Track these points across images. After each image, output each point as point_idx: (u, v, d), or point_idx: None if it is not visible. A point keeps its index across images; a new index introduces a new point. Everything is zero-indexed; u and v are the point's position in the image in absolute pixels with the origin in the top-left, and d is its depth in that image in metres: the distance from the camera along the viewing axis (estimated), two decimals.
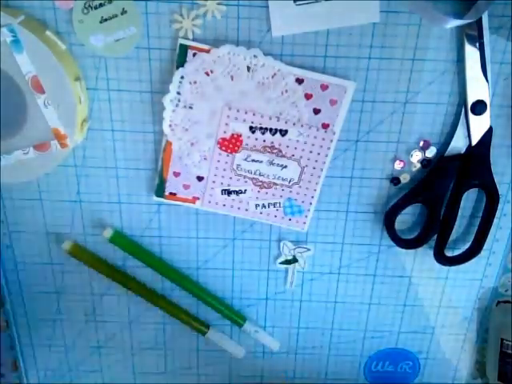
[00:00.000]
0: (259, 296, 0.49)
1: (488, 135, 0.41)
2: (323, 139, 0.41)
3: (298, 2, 0.37)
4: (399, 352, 0.52)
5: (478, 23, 0.38)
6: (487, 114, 0.40)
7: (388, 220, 0.44)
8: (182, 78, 0.39)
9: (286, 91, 0.40)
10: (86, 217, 0.45)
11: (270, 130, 0.41)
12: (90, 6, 0.36)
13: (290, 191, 0.43)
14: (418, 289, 0.49)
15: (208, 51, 0.38)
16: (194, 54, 0.38)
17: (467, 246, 0.46)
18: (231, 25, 0.38)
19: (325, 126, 0.41)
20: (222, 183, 0.43)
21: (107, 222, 0.45)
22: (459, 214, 0.44)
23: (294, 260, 0.47)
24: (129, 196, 0.44)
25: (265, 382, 0.53)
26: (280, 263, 0.47)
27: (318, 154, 0.42)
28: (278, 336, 0.51)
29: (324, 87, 0.39)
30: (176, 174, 0.43)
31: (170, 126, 0.41)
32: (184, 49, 0.38)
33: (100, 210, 0.45)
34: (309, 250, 0.47)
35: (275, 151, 0.42)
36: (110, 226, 0.45)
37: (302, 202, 0.44)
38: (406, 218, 0.45)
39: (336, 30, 0.38)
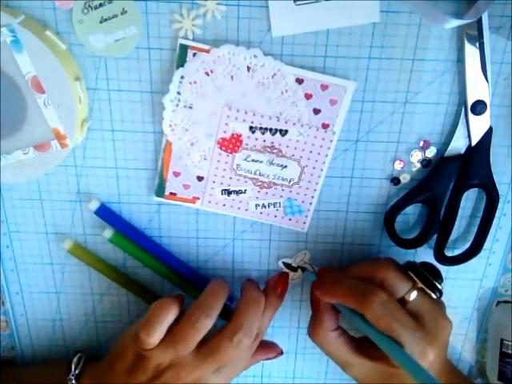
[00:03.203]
0: None
1: (488, 135, 0.41)
2: (323, 139, 0.41)
3: (298, 2, 0.37)
4: None
5: (478, 23, 0.38)
6: (487, 113, 0.40)
7: (388, 220, 0.44)
8: (182, 77, 0.39)
9: (286, 91, 0.40)
10: (85, 217, 0.45)
11: (270, 129, 0.41)
12: (89, 6, 0.36)
13: (290, 191, 0.43)
14: None
15: (208, 51, 0.38)
16: (194, 54, 0.38)
17: (467, 246, 0.46)
18: (231, 25, 0.38)
19: (325, 126, 0.41)
20: (221, 183, 0.43)
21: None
22: (459, 214, 0.44)
23: (295, 269, 0.47)
24: (129, 196, 0.44)
25: (265, 382, 0.53)
26: (283, 262, 0.47)
27: (318, 153, 0.42)
28: (277, 336, 0.51)
29: (324, 87, 0.39)
30: (176, 174, 0.43)
31: (170, 126, 0.41)
32: (184, 49, 0.38)
33: None
34: (314, 272, 0.47)
35: (275, 151, 0.42)
36: (109, 226, 0.45)
37: (302, 201, 0.44)
38: (406, 218, 0.45)
39: (336, 30, 0.38)
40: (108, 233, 0.44)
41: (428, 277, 0.40)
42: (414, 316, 0.39)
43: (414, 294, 0.40)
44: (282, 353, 0.49)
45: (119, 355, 0.42)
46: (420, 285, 0.40)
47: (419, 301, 0.40)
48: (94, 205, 0.43)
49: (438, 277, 0.41)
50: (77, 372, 0.44)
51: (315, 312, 0.44)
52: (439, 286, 0.41)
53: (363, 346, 0.42)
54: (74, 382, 0.43)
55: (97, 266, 0.46)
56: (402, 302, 0.40)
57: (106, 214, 0.44)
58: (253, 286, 0.44)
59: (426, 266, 0.42)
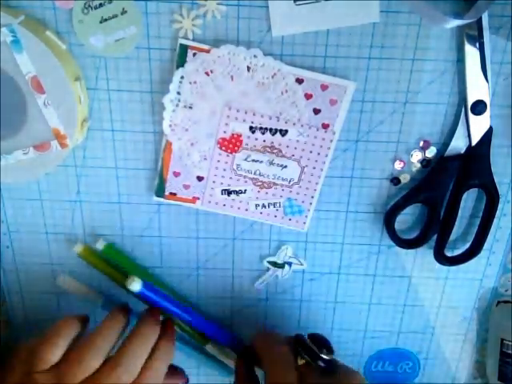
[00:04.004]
0: (259, 296, 0.49)
1: (488, 135, 0.41)
2: (323, 139, 0.41)
3: (298, 2, 0.37)
4: (399, 352, 0.52)
5: (478, 23, 0.38)
6: (487, 113, 0.40)
7: (388, 220, 0.44)
8: (182, 77, 0.39)
9: (286, 91, 0.40)
10: (85, 217, 0.45)
11: (270, 130, 0.41)
12: (89, 6, 0.36)
13: (290, 191, 0.43)
14: (417, 289, 0.49)
15: (208, 51, 0.38)
16: (194, 54, 0.38)
17: (467, 246, 0.46)
18: (231, 25, 0.38)
19: (325, 126, 0.41)
20: (222, 183, 0.43)
21: (107, 222, 0.45)
22: (459, 214, 0.44)
23: (281, 266, 0.47)
24: (129, 196, 0.44)
25: None
26: (267, 261, 0.47)
27: (318, 153, 0.42)
28: None
29: (324, 87, 0.39)
30: (176, 174, 0.43)
31: (170, 126, 0.41)
32: (184, 49, 0.38)
33: (100, 210, 0.45)
34: (302, 265, 0.47)
35: (275, 151, 0.42)
36: (109, 226, 0.45)
37: (302, 201, 0.44)
38: (405, 218, 0.45)
39: (336, 30, 0.38)
40: (100, 244, 0.44)
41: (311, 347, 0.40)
42: None
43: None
44: (187, 382, 0.47)
45: (9, 370, 0.40)
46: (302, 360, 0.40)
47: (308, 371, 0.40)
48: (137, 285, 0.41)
49: (324, 347, 0.41)
50: None
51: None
52: (324, 356, 0.40)
53: None
54: None
55: (107, 271, 0.46)
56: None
57: (147, 292, 0.42)
58: (148, 319, 0.42)
59: (314, 337, 0.42)
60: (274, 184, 0.43)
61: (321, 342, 0.41)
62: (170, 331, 0.43)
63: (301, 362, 0.40)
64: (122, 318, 0.42)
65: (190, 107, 0.40)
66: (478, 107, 0.40)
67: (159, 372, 0.41)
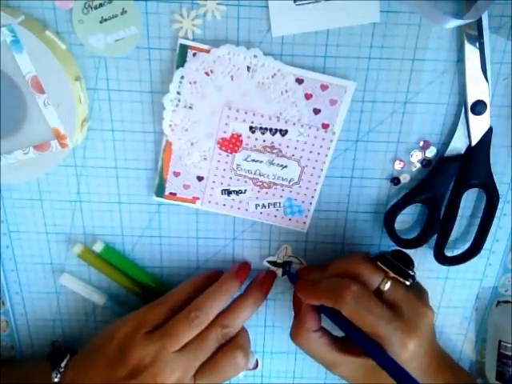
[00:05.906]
0: None
1: (488, 135, 0.41)
2: (323, 139, 0.41)
3: (298, 2, 0.37)
4: None
5: (478, 23, 0.38)
6: (487, 113, 0.40)
7: (388, 220, 0.44)
8: (182, 77, 0.39)
9: (286, 91, 0.40)
10: (86, 217, 0.45)
11: (270, 129, 0.41)
12: (90, 6, 0.36)
13: (290, 191, 0.43)
14: None
15: (208, 51, 0.38)
16: (194, 54, 0.38)
17: (467, 246, 0.46)
18: (231, 25, 0.38)
19: (325, 126, 0.41)
20: (221, 183, 0.43)
21: (107, 222, 0.45)
22: (459, 213, 0.44)
23: (282, 265, 0.47)
24: (129, 196, 0.44)
25: (265, 382, 0.53)
26: (267, 261, 0.47)
27: (318, 153, 0.42)
28: (278, 336, 0.51)
29: (324, 87, 0.39)
30: (176, 174, 0.43)
31: (170, 126, 0.41)
32: (184, 49, 0.38)
33: (100, 210, 0.45)
34: (302, 264, 0.47)
35: (275, 151, 0.42)
36: (109, 226, 0.45)
37: (302, 201, 0.44)
38: (405, 218, 0.45)
39: (336, 30, 0.38)
40: (98, 247, 0.44)
41: (398, 265, 0.40)
42: (391, 306, 0.39)
43: (388, 284, 0.39)
44: (257, 365, 0.51)
45: (102, 347, 0.42)
46: (391, 274, 0.40)
47: (394, 290, 0.39)
48: None
49: (409, 263, 0.41)
50: (63, 364, 0.44)
51: (297, 313, 0.43)
52: (411, 273, 0.40)
53: (347, 344, 0.41)
54: (59, 375, 0.43)
55: (107, 271, 0.46)
56: (379, 292, 0.39)
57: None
58: (230, 275, 0.44)
59: (397, 253, 0.42)
60: (274, 184, 0.43)
61: (405, 258, 0.41)
62: (264, 286, 0.46)
63: (387, 283, 0.39)
64: (233, 285, 0.44)
65: (190, 107, 0.40)
66: (478, 107, 0.40)
67: (238, 318, 0.43)
